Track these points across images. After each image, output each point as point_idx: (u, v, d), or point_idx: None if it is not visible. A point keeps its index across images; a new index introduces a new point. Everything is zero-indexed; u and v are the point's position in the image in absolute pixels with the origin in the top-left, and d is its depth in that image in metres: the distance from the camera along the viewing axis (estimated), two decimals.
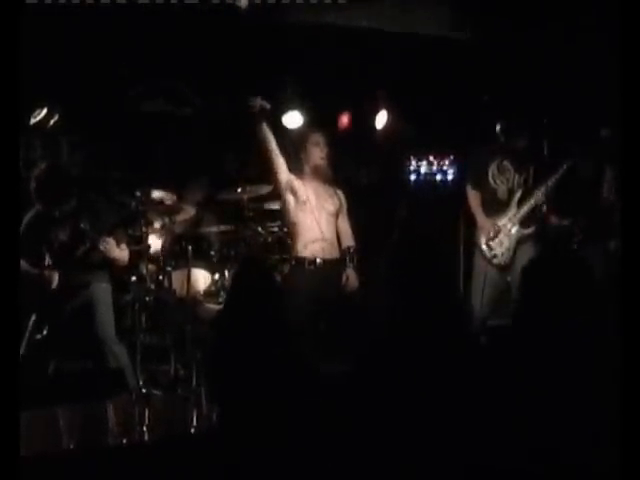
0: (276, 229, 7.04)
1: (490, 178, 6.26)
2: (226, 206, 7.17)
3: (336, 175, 5.94)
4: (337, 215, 5.99)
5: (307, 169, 5.92)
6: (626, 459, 2.74)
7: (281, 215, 6.56)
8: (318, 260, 5.81)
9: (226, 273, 6.56)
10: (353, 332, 5.50)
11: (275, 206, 6.84)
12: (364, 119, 7.41)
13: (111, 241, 5.59)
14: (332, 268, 5.86)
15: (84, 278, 5.69)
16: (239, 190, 6.71)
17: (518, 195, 6.21)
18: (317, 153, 5.89)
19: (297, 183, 5.89)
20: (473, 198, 6.35)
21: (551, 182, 6.15)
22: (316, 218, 5.84)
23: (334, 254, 5.90)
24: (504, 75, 7.10)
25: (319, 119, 7.10)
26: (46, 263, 5.60)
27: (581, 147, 6.23)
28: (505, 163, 6.24)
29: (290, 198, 5.90)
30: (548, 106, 7.19)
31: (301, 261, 5.85)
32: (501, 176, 6.24)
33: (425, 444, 2.91)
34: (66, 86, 6.58)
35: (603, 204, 6.04)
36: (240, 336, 3.72)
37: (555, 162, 6.19)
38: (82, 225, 5.59)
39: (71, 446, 4.80)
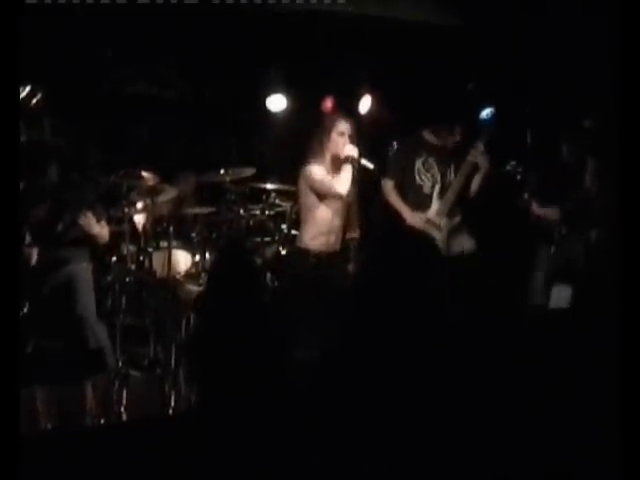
0: (258, 212, 7.03)
1: (416, 175, 6.26)
2: (208, 188, 7.16)
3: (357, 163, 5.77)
4: (351, 204, 5.92)
5: (330, 157, 5.80)
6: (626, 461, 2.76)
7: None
8: (322, 253, 5.78)
9: (207, 255, 6.54)
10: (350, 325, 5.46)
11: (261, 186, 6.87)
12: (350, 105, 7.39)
13: (90, 216, 5.56)
14: (333, 261, 5.80)
15: (64, 256, 5.65)
16: (222, 172, 6.68)
17: (438, 188, 6.22)
18: (341, 142, 5.77)
19: (326, 176, 5.78)
20: (392, 194, 6.33)
21: (462, 171, 6.19)
22: (334, 209, 5.78)
23: (336, 246, 5.82)
24: (489, 62, 7.12)
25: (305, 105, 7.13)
26: (26, 240, 5.56)
27: (565, 136, 6.25)
28: (430, 160, 6.25)
29: (310, 193, 5.80)
30: (531, 94, 7.23)
31: (305, 252, 5.81)
32: (427, 172, 6.25)
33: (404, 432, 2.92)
34: (50, 66, 6.54)
35: (586, 194, 6.06)
36: (220, 318, 3.72)
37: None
38: (61, 201, 5.56)
39: (49, 426, 4.80)
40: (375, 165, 5.75)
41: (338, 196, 5.70)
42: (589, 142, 6.13)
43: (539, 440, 2.90)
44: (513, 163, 7.14)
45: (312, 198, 5.79)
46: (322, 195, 5.74)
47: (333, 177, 5.72)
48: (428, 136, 6.33)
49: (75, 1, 5.80)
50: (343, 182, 5.67)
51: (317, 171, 5.75)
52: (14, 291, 3.12)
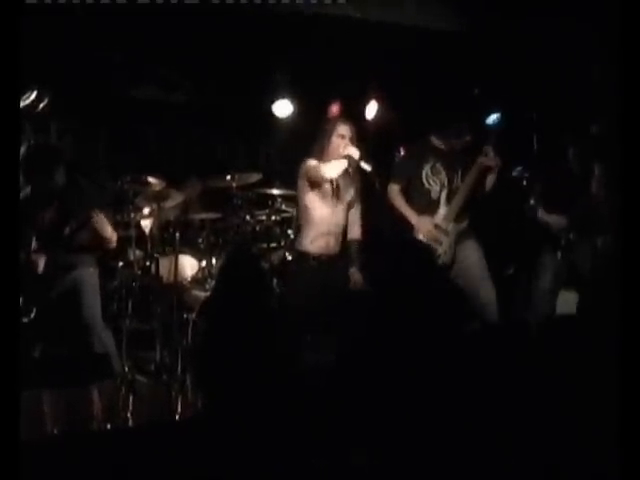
0: (264, 218, 7.03)
1: (424, 179, 6.27)
2: (215, 193, 7.16)
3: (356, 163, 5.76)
4: (352, 205, 5.92)
5: (329, 159, 5.78)
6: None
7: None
8: (322, 256, 5.77)
9: (213, 260, 6.54)
10: (351, 328, 5.46)
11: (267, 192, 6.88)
12: (358, 109, 7.39)
13: (102, 216, 5.58)
14: (334, 263, 5.80)
15: (70, 260, 5.67)
16: (228, 178, 6.69)
17: (445, 193, 6.24)
18: (342, 145, 5.77)
19: (315, 163, 5.76)
20: (398, 198, 6.32)
21: (470, 176, 6.22)
22: (331, 211, 5.78)
23: (337, 248, 5.81)
24: (492, 67, 7.12)
25: (311, 109, 7.12)
26: (33, 245, 5.57)
27: (572, 142, 6.25)
28: (438, 165, 6.27)
29: (309, 191, 5.79)
30: (537, 99, 7.23)
31: (305, 255, 5.80)
32: (434, 177, 6.27)
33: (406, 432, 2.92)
34: (57, 70, 6.56)
35: (592, 200, 6.06)
36: (226, 324, 3.72)
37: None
38: (67, 205, 5.57)
39: (55, 431, 4.79)
40: (374, 168, 5.73)
41: (327, 180, 5.69)
42: (596, 148, 6.12)
43: (545, 442, 2.90)
44: (520, 169, 7.14)
45: (309, 196, 5.80)
46: (313, 184, 5.74)
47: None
48: (436, 141, 6.34)
49: (75, 1, 5.80)
50: (333, 167, 5.68)
51: (311, 161, 5.76)
52: (14, 296, 3.12)
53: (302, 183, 5.84)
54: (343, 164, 5.70)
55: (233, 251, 6.30)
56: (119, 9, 5.83)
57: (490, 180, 6.24)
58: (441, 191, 6.24)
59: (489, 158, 6.14)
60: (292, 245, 6.66)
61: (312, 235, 5.78)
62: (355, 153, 5.69)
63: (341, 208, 5.82)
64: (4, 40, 3.30)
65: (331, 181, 5.79)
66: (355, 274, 5.83)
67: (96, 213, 5.55)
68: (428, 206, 6.26)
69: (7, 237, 3.19)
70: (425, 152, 6.34)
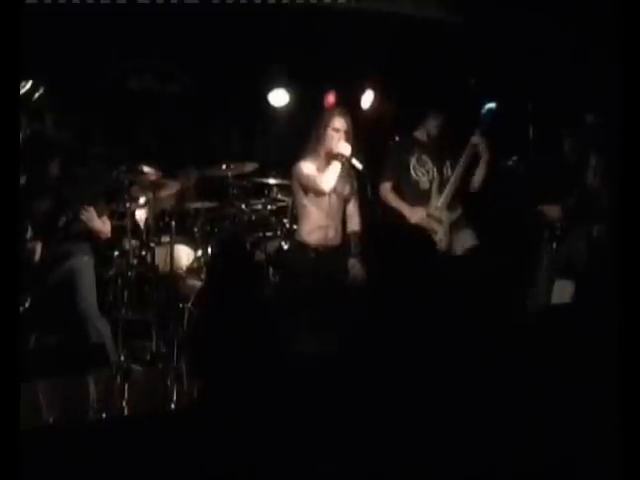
0: (260, 207, 7.03)
1: (412, 171, 6.30)
2: (210, 183, 7.16)
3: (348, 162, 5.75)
4: (349, 199, 5.92)
5: (324, 152, 5.77)
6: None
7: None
8: (320, 248, 5.77)
9: (209, 250, 6.55)
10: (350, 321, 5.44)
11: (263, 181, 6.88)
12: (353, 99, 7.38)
13: (92, 210, 5.58)
14: (333, 255, 5.80)
15: (66, 250, 5.67)
16: (224, 167, 6.69)
17: (436, 183, 6.26)
18: (335, 138, 5.76)
19: (314, 171, 5.75)
20: (389, 195, 6.35)
21: (461, 164, 6.27)
22: (328, 204, 5.76)
23: (336, 240, 5.80)
24: (488, 57, 7.12)
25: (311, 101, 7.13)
26: (28, 234, 5.57)
27: (567, 132, 6.27)
28: (424, 157, 6.30)
29: (304, 185, 5.78)
30: (534, 90, 7.22)
31: (304, 248, 5.80)
32: (422, 168, 6.31)
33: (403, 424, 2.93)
34: (51, 60, 6.54)
35: (587, 190, 6.07)
36: (221, 312, 3.72)
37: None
38: (63, 195, 5.58)
39: (51, 420, 4.79)
40: (364, 166, 5.72)
41: (322, 192, 5.69)
42: (592, 138, 6.13)
43: (542, 434, 2.91)
44: (515, 158, 7.14)
45: (304, 195, 5.79)
46: (308, 190, 5.75)
47: (322, 173, 5.71)
48: (420, 135, 6.37)
49: (75, 1, 5.81)
50: (328, 179, 5.66)
51: (305, 167, 5.75)
52: (13, 285, 3.12)
53: (296, 184, 5.82)
54: (337, 169, 5.67)
55: (225, 241, 6.31)
56: (118, 8, 5.84)
57: (481, 169, 6.25)
58: (431, 182, 6.28)
59: (478, 147, 6.17)
60: (289, 234, 6.66)
61: (309, 228, 5.78)
62: (346, 150, 5.67)
63: (338, 202, 5.81)
64: (4, 38, 3.29)
65: (321, 181, 5.75)
66: (355, 266, 5.82)
67: (85, 208, 5.55)
68: (420, 197, 6.29)
69: (6, 228, 3.19)
70: (409, 145, 6.38)
